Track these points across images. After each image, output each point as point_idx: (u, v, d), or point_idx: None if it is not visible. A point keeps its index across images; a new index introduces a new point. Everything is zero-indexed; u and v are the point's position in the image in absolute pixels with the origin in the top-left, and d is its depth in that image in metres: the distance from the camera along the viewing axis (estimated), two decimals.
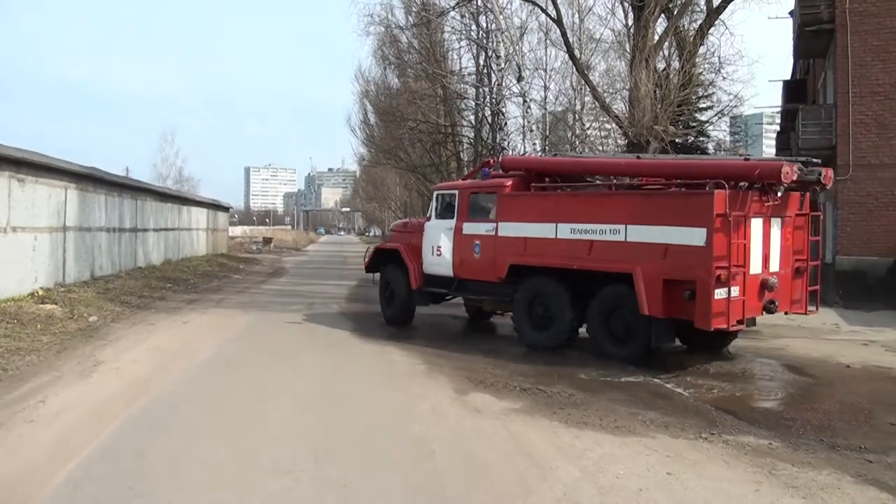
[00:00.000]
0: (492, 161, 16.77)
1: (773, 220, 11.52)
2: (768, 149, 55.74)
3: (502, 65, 26.60)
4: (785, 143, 32.42)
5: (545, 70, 34.00)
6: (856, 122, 19.71)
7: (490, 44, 28.73)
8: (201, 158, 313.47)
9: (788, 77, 34.20)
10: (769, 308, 11.46)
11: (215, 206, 45.74)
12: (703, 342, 12.45)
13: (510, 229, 13.66)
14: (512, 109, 29.64)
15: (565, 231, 12.71)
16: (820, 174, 11.36)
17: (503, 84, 27.18)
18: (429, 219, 15.77)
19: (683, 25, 21.21)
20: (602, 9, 56.89)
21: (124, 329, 14.77)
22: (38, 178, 17.70)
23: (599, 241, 12.16)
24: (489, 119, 31.54)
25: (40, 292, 17.06)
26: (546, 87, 34.56)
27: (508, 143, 28.28)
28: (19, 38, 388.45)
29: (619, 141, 31.03)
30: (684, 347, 12.80)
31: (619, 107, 22.36)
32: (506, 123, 27.41)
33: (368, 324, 16.18)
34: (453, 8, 29.07)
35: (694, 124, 28.87)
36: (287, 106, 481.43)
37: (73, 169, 20.18)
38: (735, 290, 10.64)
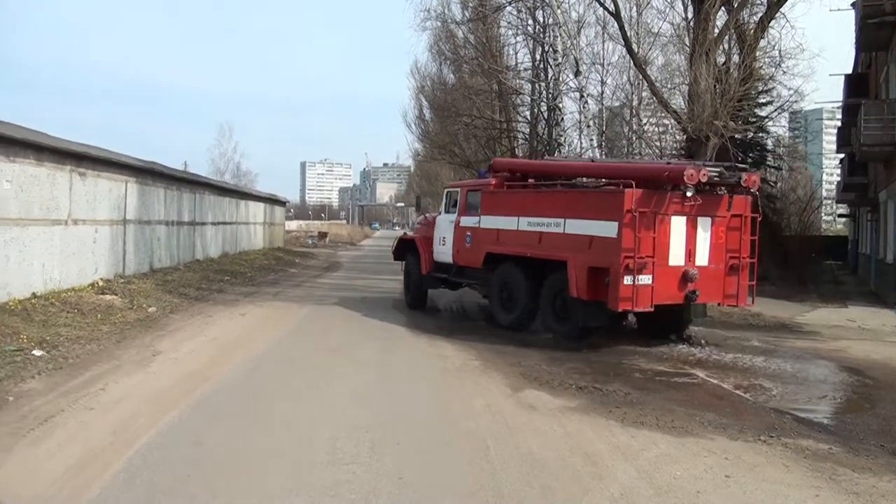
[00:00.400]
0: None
1: (700, 219, 12.74)
2: (828, 145, 54.65)
3: (559, 59, 26.40)
4: (846, 139, 31.74)
5: (602, 65, 33.72)
6: None
7: (547, 38, 28.53)
8: (258, 153, 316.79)
9: (850, 71, 33.49)
10: (690, 297, 12.61)
11: (272, 201, 46.18)
12: (660, 326, 13.64)
13: (489, 222, 15.60)
14: (568, 105, 29.44)
15: (524, 224, 14.53)
16: (740, 178, 12.79)
17: (560, 79, 26.98)
18: (440, 213, 17.84)
19: (743, 18, 20.80)
20: (661, 2, 55.93)
21: (182, 320, 15.01)
22: (99, 173, 18.03)
23: (546, 233, 13.87)
24: (545, 114, 31.34)
25: (100, 283, 17.38)
26: (603, 82, 34.29)
27: (564, 138, 28.10)
28: (85, 32, 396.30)
29: (676, 136, 30.72)
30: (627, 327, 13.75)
31: (678, 102, 22.09)
32: (562, 119, 27.23)
33: (422, 319, 16.24)
34: (510, 3, 28.91)
35: (753, 120, 28.31)
36: (343, 101, 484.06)
37: (133, 163, 20.51)
38: (645, 279, 12.07)
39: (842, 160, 37.40)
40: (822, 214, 40.73)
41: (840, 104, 32.97)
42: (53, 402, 8.25)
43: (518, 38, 34.62)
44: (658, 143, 33.53)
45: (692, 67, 18.74)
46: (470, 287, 17.22)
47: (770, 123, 32.90)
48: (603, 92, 34.49)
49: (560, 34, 25.75)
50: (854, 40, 26.08)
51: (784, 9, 19.24)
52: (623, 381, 10.19)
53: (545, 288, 13.95)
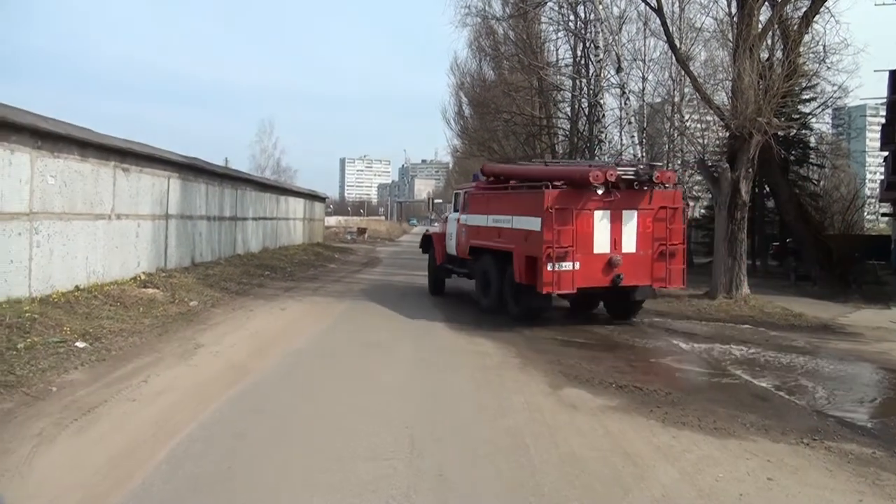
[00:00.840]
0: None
1: (625, 211, 14.54)
2: (872, 142, 53.69)
3: (601, 55, 26.27)
4: (890, 136, 31.17)
5: (644, 60, 33.43)
6: None
7: (588, 34, 28.38)
8: (298, 149, 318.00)
9: (895, 66, 32.87)
10: (616, 281, 14.39)
11: (312, 197, 46.44)
12: (614, 311, 16.25)
13: (473, 220, 17.95)
14: (609, 101, 29.27)
15: (490, 221, 16.85)
16: (651, 175, 14.54)
17: (601, 75, 26.83)
18: (451, 212, 20.24)
19: (787, 13, 20.48)
20: None
21: (223, 314, 15.14)
22: (142, 168, 18.21)
23: (503, 228, 16.08)
24: (586, 111, 31.18)
25: (142, 277, 17.57)
26: (644, 78, 33.98)
27: (605, 135, 27.94)
28: (129, 30, 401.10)
29: (719, 133, 30.37)
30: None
31: (720, 98, 21.81)
32: (603, 115, 27.08)
33: (461, 315, 16.23)
34: None
35: (796, 116, 27.92)
36: (382, 97, 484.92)
37: (176, 159, 20.69)
38: (567, 265, 14.00)
39: (886, 158, 36.71)
40: (866, 213, 40.08)
41: (884, 101, 32.34)
42: (96, 394, 8.35)
43: (559, 34, 34.58)
44: (701, 140, 33.18)
45: (735, 63, 18.51)
46: (466, 276, 19.27)
47: (813, 120, 32.50)
48: (644, 88, 34.17)
49: (602, 30, 25.64)
50: None
51: (828, 3, 18.94)
52: (664, 380, 10.12)
53: (507, 275, 15.70)
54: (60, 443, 6.66)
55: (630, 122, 27.46)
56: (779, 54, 20.65)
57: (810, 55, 20.82)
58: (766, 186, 30.78)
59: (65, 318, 12.18)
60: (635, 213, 14.63)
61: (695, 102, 31.77)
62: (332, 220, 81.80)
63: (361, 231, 65.73)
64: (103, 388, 8.64)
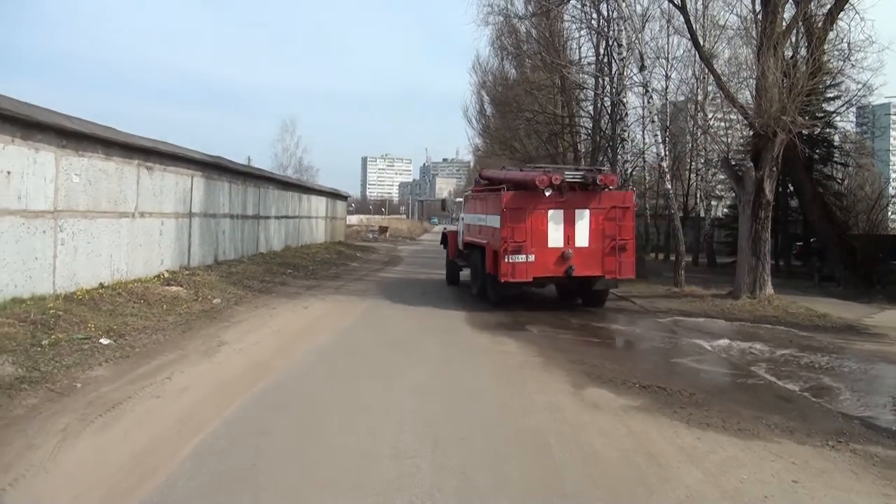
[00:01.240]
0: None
1: (578, 211, 16.53)
2: None
3: (623, 53, 26.09)
4: None
5: (667, 59, 33.33)
6: None
7: (611, 32, 28.19)
8: (320, 148, 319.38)
9: None
10: (569, 271, 16.44)
11: (334, 195, 46.55)
12: (584, 299, 18.40)
13: (468, 219, 20.99)
14: (632, 100, 29.11)
15: (475, 220, 19.66)
16: (595, 179, 16.55)
17: (624, 73, 26.67)
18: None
19: (811, 10, 20.29)
20: None
21: (246, 312, 15.20)
22: (165, 167, 18.32)
23: (483, 226, 18.58)
24: (608, 109, 31.00)
25: (166, 275, 17.67)
26: (667, 77, 33.88)
27: (628, 133, 27.79)
28: (150, 31, 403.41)
29: (743, 132, 30.18)
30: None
31: (744, 96, 21.64)
32: (626, 114, 26.93)
33: (482, 314, 16.20)
34: None
35: (821, 115, 27.65)
36: (403, 96, 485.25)
37: (199, 158, 20.80)
38: (521, 258, 16.26)
39: None
40: (890, 213, 39.63)
41: None
42: (120, 390, 8.40)
43: (582, 32, 34.33)
44: (724, 139, 32.99)
45: (760, 61, 18.34)
46: (466, 267, 21.47)
47: (837, 119, 32.19)
48: (667, 86, 34.08)
49: (625, 28, 25.48)
50: None
51: (853, 0, 18.74)
52: (688, 381, 10.04)
53: (485, 266, 17.91)
54: (85, 438, 6.70)
55: (653, 121, 27.26)
56: (803, 52, 20.48)
57: (835, 53, 20.63)
58: (789, 185, 30.52)
59: (89, 315, 12.27)
60: (587, 212, 16.57)
61: (718, 101, 31.66)
62: (353, 219, 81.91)
63: (383, 230, 65.84)
64: (127, 384, 8.69)
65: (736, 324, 15.75)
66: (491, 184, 19.28)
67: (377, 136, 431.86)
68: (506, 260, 16.23)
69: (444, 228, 28.31)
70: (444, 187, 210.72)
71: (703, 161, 37.56)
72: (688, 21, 21.21)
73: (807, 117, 20.41)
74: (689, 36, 22.37)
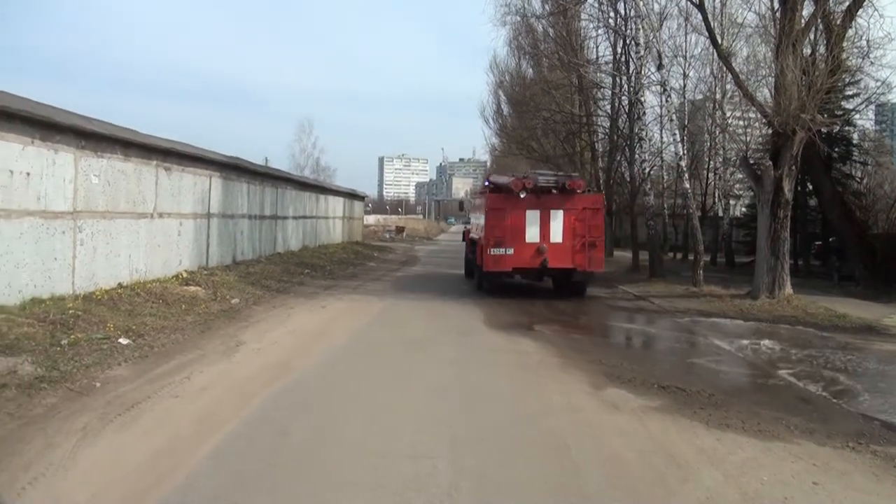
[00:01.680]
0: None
1: (552, 211, 18.94)
2: None
3: (641, 52, 25.98)
4: None
5: (685, 57, 33.12)
6: None
7: (629, 31, 28.10)
8: (337, 148, 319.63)
9: None
10: (543, 263, 18.90)
11: (351, 196, 46.60)
12: (567, 290, 20.33)
13: (472, 218, 24.46)
14: (650, 98, 29.04)
15: (475, 218, 22.81)
16: (565, 184, 19.05)
17: (642, 72, 26.56)
18: None
19: (830, 7, 20.11)
20: None
21: (264, 312, 15.24)
22: (184, 168, 18.38)
23: (478, 224, 21.30)
24: (626, 108, 30.93)
25: (184, 275, 17.71)
26: (685, 75, 33.67)
27: (646, 132, 27.68)
28: (167, 32, 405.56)
29: (762, 130, 29.98)
30: None
31: (763, 95, 21.49)
32: (643, 113, 26.82)
33: (500, 314, 16.21)
34: None
35: (839, 113, 27.43)
36: (421, 96, 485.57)
37: (217, 158, 20.85)
38: (501, 251, 18.91)
39: None
40: None
41: None
42: (139, 389, 8.42)
43: (599, 31, 34.36)
44: (743, 138, 32.77)
45: (778, 59, 18.21)
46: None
47: (856, 117, 31.96)
48: (685, 85, 33.88)
49: (642, 26, 25.36)
50: None
51: None
52: (707, 381, 9.99)
53: (478, 259, 20.76)
54: (104, 438, 6.72)
55: (671, 120, 27.12)
56: (821, 49, 20.31)
57: (854, 50, 20.44)
58: (808, 184, 30.33)
59: (108, 314, 12.32)
60: (561, 212, 18.97)
61: (736, 99, 31.33)
62: (370, 219, 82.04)
63: (400, 230, 65.86)
64: (146, 384, 8.71)
65: (755, 324, 15.67)
66: (496, 187, 20.70)
67: (394, 136, 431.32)
68: (489, 252, 19.05)
69: (465, 226, 31.87)
70: (461, 187, 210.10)
71: (721, 160, 37.36)
72: (706, 19, 21.08)
73: (826, 115, 20.26)
74: (706, 34, 22.19)
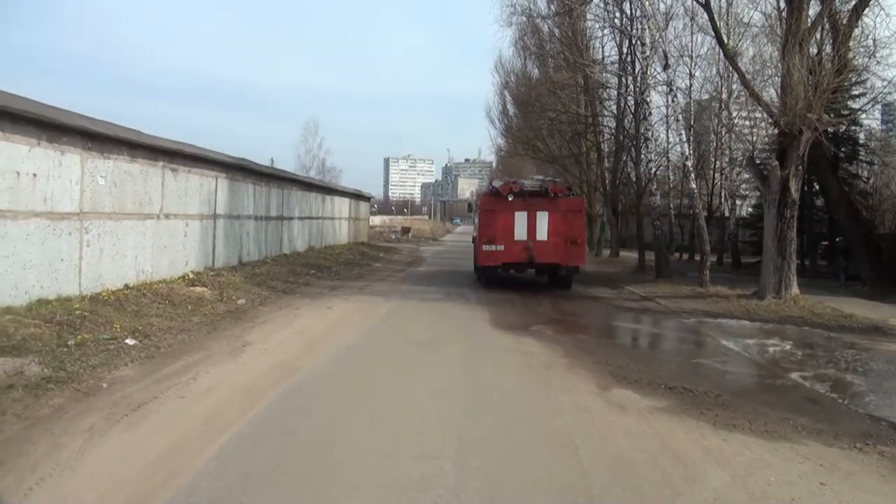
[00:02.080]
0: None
1: (539, 212, 21.19)
2: None
3: (647, 52, 25.95)
4: None
5: (691, 57, 33.15)
6: None
7: (635, 31, 28.06)
8: (342, 149, 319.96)
9: None
10: (531, 258, 21.19)
11: (357, 196, 46.61)
12: (556, 283, 22.74)
13: (476, 219, 25.37)
14: (655, 98, 28.97)
15: (476, 218, 24.72)
16: (547, 189, 21.51)
17: (647, 72, 26.52)
18: None
19: (836, 7, 20.05)
20: None
21: (271, 312, 15.23)
22: (190, 169, 18.39)
23: (477, 224, 23.55)
24: (632, 108, 30.89)
25: (191, 275, 17.73)
26: (691, 75, 33.68)
27: (652, 132, 27.62)
28: (172, 36, 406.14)
29: (768, 130, 29.94)
30: None
31: (769, 94, 21.46)
32: (649, 113, 26.76)
33: (506, 314, 16.19)
34: None
35: (846, 112, 27.38)
36: (426, 97, 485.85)
37: (223, 159, 20.85)
38: (492, 247, 21.21)
39: None
40: None
41: None
42: (146, 390, 8.42)
43: (605, 31, 34.36)
44: (749, 138, 32.73)
45: (784, 58, 18.17)
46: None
47: (863, 116, 31.87)
48: (691, 85, 33.87)
49: (648, 26, 25.33)
50: None
51: None
52: (713, 382, 9.97)
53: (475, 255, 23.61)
54: (111, 438, 6.72)
55: (677, 120, 27.15)
56: (828, 49, 20.28)
57: (860, 49, 20.40)
58: (815, 184, 30.28)
59: (114, 315, 12.34)
60: (546, 213, 21.25)
61: (743, 99, 31.40)
62: (376, 220, 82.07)
63: (405, 230, 65.84)
64: (153, 384, 8.72)
65: (761, 324, 15.65)
66: (500, 191, 22.32)
67: (400, 137, 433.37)
68: (482, 248, 21.61)
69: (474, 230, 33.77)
70: (466, 188, 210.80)
71: (727, 160, 37.33)
72: (712, 19, 21.07)
73: (832, 115, 20.23)
74: (712, 34, 22.19)
